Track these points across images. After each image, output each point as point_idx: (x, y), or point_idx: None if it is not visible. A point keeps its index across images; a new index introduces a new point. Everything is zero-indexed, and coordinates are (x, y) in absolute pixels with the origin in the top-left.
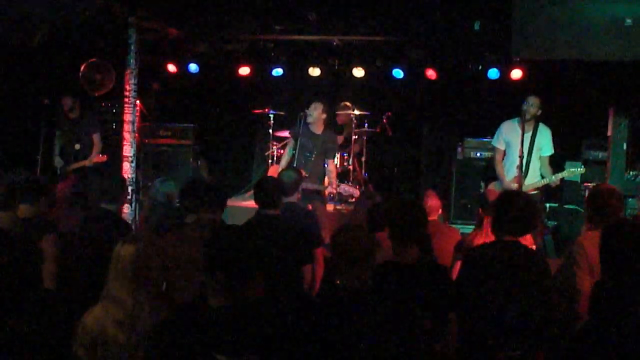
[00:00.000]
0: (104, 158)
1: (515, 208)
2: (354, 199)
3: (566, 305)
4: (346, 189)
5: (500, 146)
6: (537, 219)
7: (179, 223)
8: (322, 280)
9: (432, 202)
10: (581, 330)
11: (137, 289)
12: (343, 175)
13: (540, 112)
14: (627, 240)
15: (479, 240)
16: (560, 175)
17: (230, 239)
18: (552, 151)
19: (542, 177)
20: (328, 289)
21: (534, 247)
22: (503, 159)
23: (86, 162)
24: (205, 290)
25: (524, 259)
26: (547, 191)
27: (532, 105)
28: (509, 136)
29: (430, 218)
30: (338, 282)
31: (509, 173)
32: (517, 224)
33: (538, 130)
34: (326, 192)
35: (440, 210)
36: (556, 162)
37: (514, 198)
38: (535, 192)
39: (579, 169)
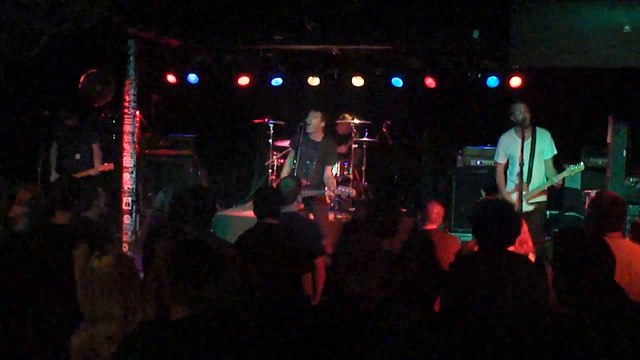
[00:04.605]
0: (111, 166)
1: (492, 218)
2: (353, 209)
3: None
4: (343, 190)
5: (501, 160)
6: (516, 230)
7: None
8: (328, 288)
9: (436, 210)
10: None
11: (127, 297)
12: (343, 184)
13: (530, 115)
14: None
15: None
16: (561, 175)
17: (191, 248)
18: (555, 151)
19: (547, 179)
20: (335, 296)
21: (532, 254)
22: (506, 171)
23: (91, 172)
24: (168, 303)
25: (509, 268)
26: (548, 198)
27: (520, 112)
28: (510, 148)
29: (433, 226)
30: (345, 289)
31: (513, 183)
32: (493, 234)
33: (537, 135)
34: (326, 196)
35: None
36: (557, 169)
37: (490, 208)
38: (541, 197)
39: (578, 167)
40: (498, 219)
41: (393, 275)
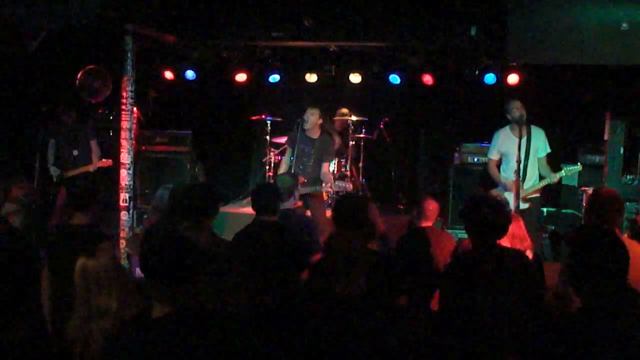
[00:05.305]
0: (109, 162)
1: (481, 213)
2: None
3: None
4: (340, 184)
5: (495, 157)
6: (505, 223)
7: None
8: (316, 287)
9: (431, 207)
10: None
11: (121, 293)
12: (340, 181)
13: (525, 113)
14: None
15: None
16: (558, 175)
17: (165, 243)
18: (549, 149)
19: (542, 177)
20: (324, 295)
21: (529, 251)
22: (499, 166)
23: (89, 168)
24: (150, 302)
25: (505, 263)
26: (544, 195)
27: (517, 108)
28: (505, 145)
29: (429, 223)
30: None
31: (508, 180)
32: (483, 229)
33: (532, 133)
34: (324, 193)
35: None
36: (553, 167)
37: (478, 203)
38: (536, 195)
39: (576, 168)
40: (482, 210)
41: (382, 275)
